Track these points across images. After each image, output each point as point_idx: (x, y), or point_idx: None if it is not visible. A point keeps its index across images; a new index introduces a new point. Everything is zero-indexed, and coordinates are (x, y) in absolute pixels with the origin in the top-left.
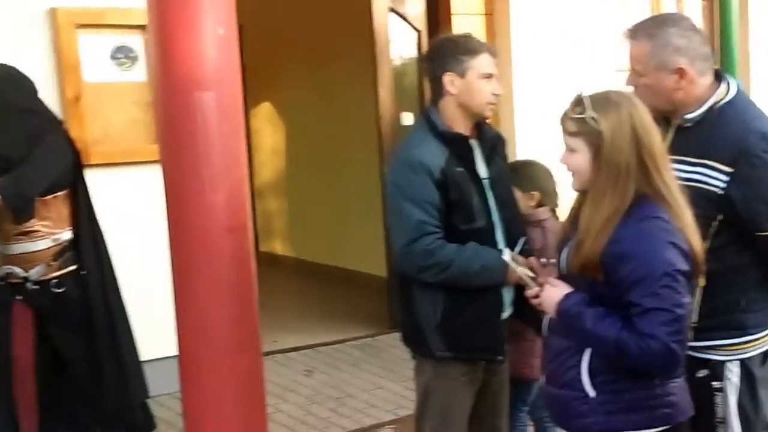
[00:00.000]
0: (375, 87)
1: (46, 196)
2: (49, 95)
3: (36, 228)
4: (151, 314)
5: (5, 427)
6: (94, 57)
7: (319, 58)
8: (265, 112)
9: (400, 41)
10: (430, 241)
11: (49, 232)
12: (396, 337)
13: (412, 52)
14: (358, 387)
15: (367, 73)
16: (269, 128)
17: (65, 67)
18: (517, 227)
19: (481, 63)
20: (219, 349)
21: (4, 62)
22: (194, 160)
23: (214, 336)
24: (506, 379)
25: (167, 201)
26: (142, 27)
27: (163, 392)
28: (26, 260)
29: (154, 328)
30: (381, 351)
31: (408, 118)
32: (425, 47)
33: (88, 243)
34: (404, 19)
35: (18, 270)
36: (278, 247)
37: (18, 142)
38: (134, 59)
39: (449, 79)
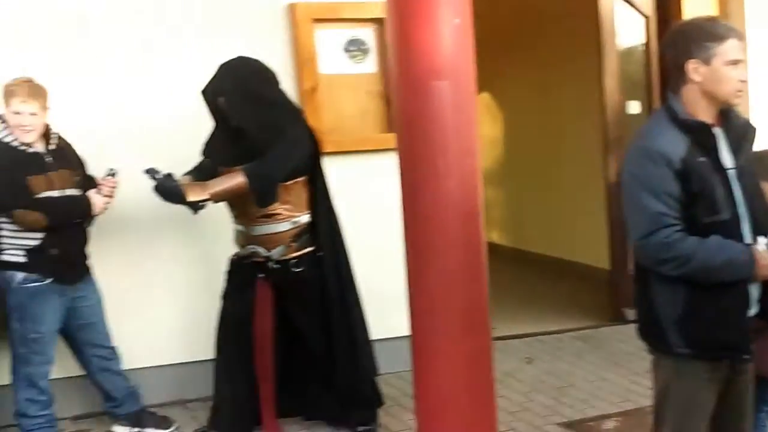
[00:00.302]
0: (600, 76)
1: (287, 181)
2: (288, 86)
3: (278, 211)
4: (382, 295)
5: (244, 392)
6: (328, 50)
7: (540, 47)
8: (484, 102)
9: (626, 28)
10: (668, 234)
11: (290, 215)
12: (619, 329)
13: (638, 39)
14: (580, 377)
15: (591, 61)
16: (488, 118)
17: (303, 59)
18: (766, 220)
19: (728, 49)
20: (451, 332)
21: (249, 56)
22: (430, 148)
23: (447, 319)
24: (752, 378)
25: (402, 187)
26: (374, 20)
27: (390, 371)
28: (268, 241)
29: (384, 309)
30: (604, 343)
31: (635, 107)
32: (653, 33)
33: (324, 226)
34: (631, 4)
35: (261, 250)
36: (496, 236)
37: (264, 133)
38: (366, 51)
39: (693, 67)
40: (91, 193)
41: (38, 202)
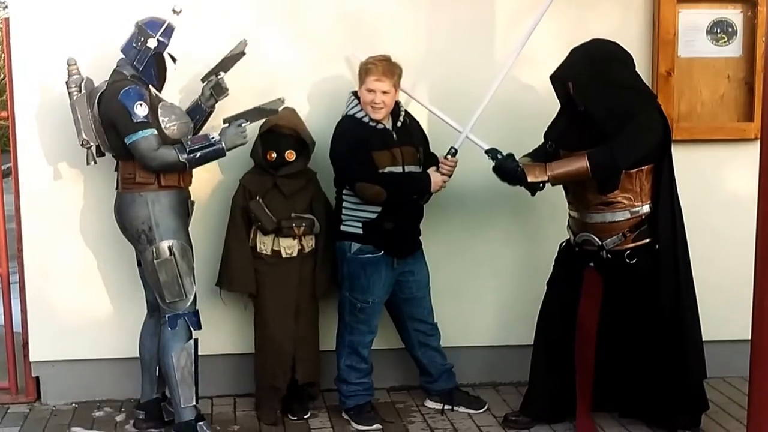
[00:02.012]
0: None
1: (631, 169)
2: (641, 69)
3: (618, 199)
4: (718, 295)
5: (561, 381)
6: (690, 31)
7: None
8: None
9: None
10: None
11: (629, 204)
12: None
13: None
14: None
15: None
16: None
17: (662, 41)
18: None
19: None
20: None
21: (606, 38)
22: None
23: None
24: None
25: (761, 180)
26: (744, 1)
27: (717, 375)
28: (603, 229)
29: (719, 310)
30: None
31: None
32: None
33: (665, 218)
34: None
35: (594, 238)
36: None
37: (613, 118)
38: (732, 35)
39: None
40: (431, 171)
41: (381, 177)
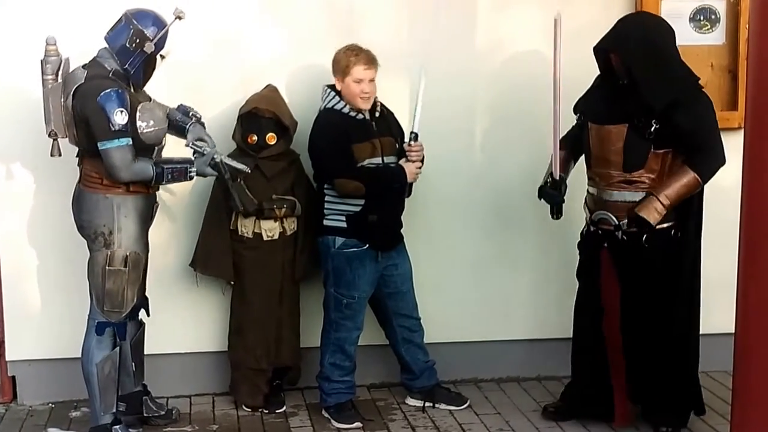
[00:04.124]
0: None
1: (661, 150)
2: None
3: (642, 179)
4: (712, 286)
5: (596, 364)
6: (673, 19)
7: None
8: None
9: None
10: None
11: (651, 185)
12: None
13: None
14: None
15: None
16: None
17: None
18: None
19: None
20: None
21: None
22: None
23: None
24: None
25: (745, 167)
26: None
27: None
28: (622, 209)
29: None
30: None
31: None
32: None
33: (690, 204)
34: None
35: (611, 217)
36: None
37: (663, 94)
38: (715, 22)
39: None
40: (402, 162)
41: (359, 172)
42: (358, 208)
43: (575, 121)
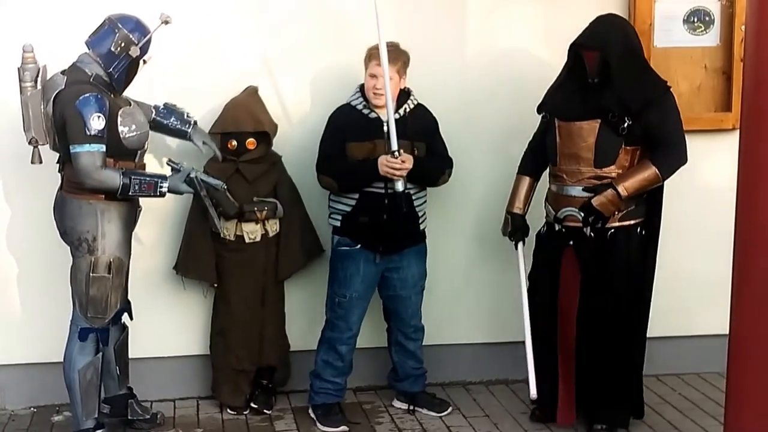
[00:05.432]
0: None
1: (632, 146)
2: None
3: (612, 175)
4: (706, 288)
5: (547, 360)
6: (667, 21)
7: None
8: None
9: None
10: None
11: None
12: None
13: None
14: None
15: None
16: None
17: (638, 31)
18: None
19: None
20: None
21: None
22: None
23: None
24: None
25: (741, 169)
26: None
27: (695, 371)
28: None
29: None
30: None
31: None
32: None
33: (653, 201)
34: None
35: (579, 214)
36: None
37: (639, 94)
38: (709, 24)
39: None
40: (382, 157)
41: (332, 168)
42: (349, 208)
43: (538, 124)
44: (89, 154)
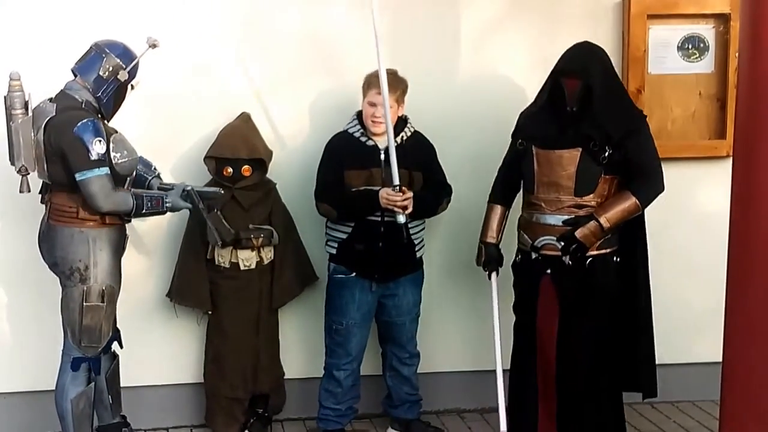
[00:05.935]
0: None
1: (611, 175)
2: None
3: (591, 204)
4: (699, 315)
5: (527, 391)
6: (661, 48)
7: None
8: None
9: None
10: None
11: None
12: None
13: None
14: None
15: None
16: None
17: (632, 58)
18: None
19: None
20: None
21: None
22: None
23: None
24: None
25: (734, 197)
26: (716, 16)
27: (689, 398)
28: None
29: (689, 330)
30: None
31: None
32: None
33: (634, 230)
34: None
35: (556, 243)
36: None
37: (619, 123)
38: (703, 50)
39: None
40: (383, 190)
41: (331, 197)
42: (344, 236)
43: (507, 151)
44: (98, 178)
